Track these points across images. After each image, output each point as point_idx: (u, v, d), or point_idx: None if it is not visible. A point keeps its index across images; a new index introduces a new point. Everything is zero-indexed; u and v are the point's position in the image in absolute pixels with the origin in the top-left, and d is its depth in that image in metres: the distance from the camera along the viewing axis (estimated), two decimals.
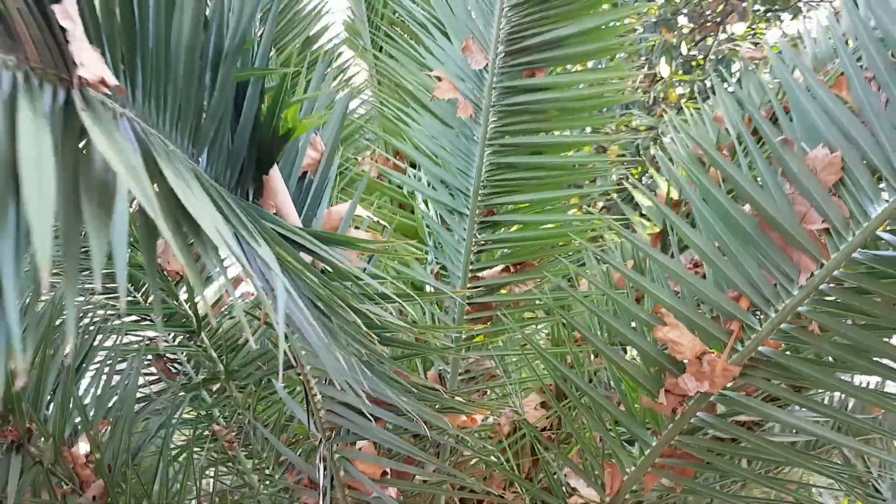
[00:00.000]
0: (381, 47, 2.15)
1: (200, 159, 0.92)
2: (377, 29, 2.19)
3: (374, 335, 0.93)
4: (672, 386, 1.26)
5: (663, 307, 1.25)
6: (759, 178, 1.18)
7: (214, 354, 1.98)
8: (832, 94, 1.10)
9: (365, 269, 1.16)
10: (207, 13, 0.87)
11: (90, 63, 0.65)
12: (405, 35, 2.04)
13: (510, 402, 1.83)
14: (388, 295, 1.03)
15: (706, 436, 1.38)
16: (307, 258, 0.98)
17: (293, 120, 1.01)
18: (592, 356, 1.93)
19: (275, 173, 1.04)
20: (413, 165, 2.11)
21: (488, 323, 1.87)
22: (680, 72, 5.41)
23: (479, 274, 1.86)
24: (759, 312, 1.19)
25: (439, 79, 1.75)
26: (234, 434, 2.19)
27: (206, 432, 2.16)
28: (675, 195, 2.13)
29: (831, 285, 1.11)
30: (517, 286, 1.91)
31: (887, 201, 1.04)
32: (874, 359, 1.15)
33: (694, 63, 5.68)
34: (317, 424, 1.42)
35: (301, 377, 1.33)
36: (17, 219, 0.55)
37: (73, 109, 0.66)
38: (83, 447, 1.59)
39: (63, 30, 0.65)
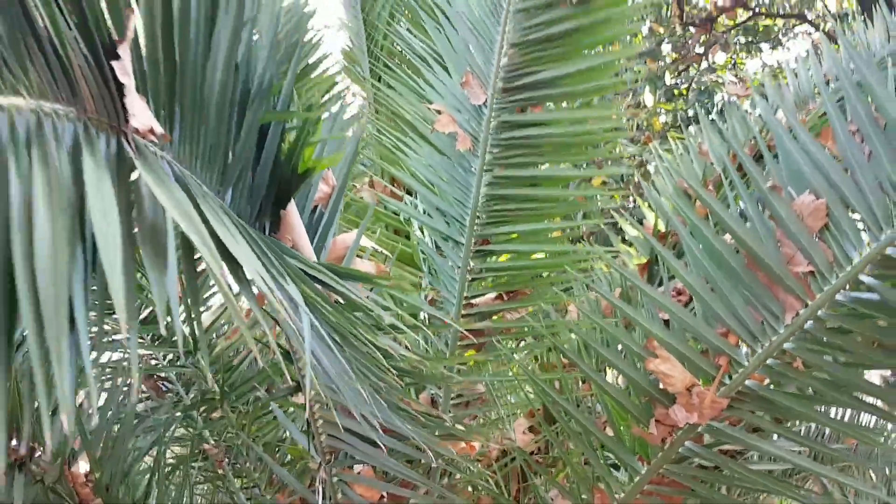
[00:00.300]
0: (380, 77, 2.20)
1: (226, 197, 0.97)
2: (376, 59, 2.25)
3: (389, 366, 0.98)
4: (662, 416, 1.31)
5: (655, 340, 1.30)
6: (745, 217, 1.25)
7: (210, 375, 2.01)
8: (817, 143, 1.17)
9: (368, 296, 1.20)
10: (238, 59, 0.92)
11: (140, 113, 0.70)
12: (404, 66, 2.10)
13: (501, 426, 1.88)
14: (397, 325, 1.08)
15: (692, 464, 1.44)
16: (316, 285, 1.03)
17: (311, 159, 1.06)
18: (580, 382, 1.98)
19: (292, 208, 1.09)
20: (409, 193, 2.16)
21: (482, 348, 1.92)
22: (662, 100, 5.54)
23: (473, 301, 1.92)
24: (746, 348, 1.25)
25: (439, 112, 1.80)
26: (223, 453, 2.21)
27: (197, 451, 2.18)
28: (662, 227, 2.20)
29: (815, 324, 1.18)
30: (509, 313, 1.97)
31: (869, 247, 1.11)
32: (853, 394, 1.22)
33: (676, 92, 5.81)
34: (316, 448, 1.46)
35: (304, 402, 1.37)
36: (83, 258, 0.59)
37: (123, 155, 0.70)
38: (83, 466, 1.62)
39: (118, 83, 0.70)
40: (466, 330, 1.88)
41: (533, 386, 1.81)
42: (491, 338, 1.89)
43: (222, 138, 0.92)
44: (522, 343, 2.16)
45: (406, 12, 2.10)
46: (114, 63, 0.67)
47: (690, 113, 5.02)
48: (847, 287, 1.14)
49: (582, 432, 1.51)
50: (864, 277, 1.12)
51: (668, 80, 5.31)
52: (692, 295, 1.28)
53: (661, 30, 5.45)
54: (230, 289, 0.71)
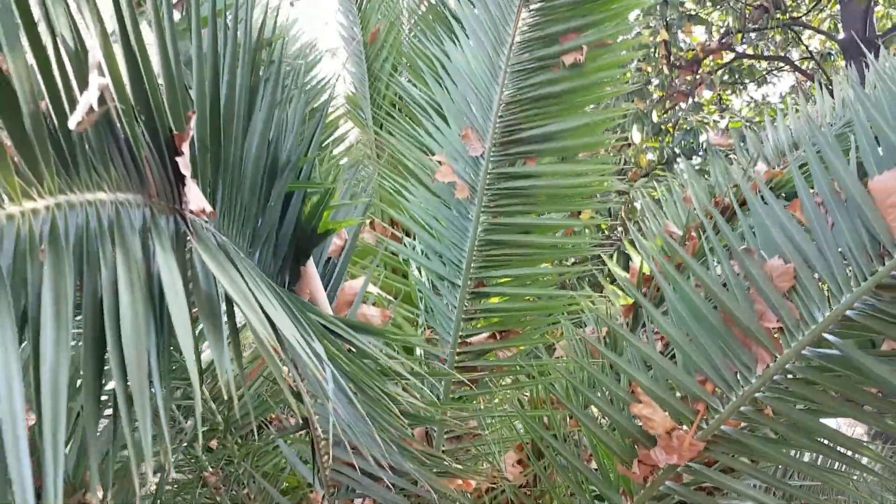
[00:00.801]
0: (382, 124, 2.32)
1: (255, 256, 1.07)
2: (378, 107, 2.37)
3: (395, 409, 1.08)
4: (645, 457, 1.42)
5: (639, 387, 1.41)
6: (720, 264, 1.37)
7: (214, 406, 2.10)
8: (787, 212, 1.29)
9: (373, 343, 1.31)
10: (270, 138, 1.03)
11: (195, 198, 0.81)
12: (405, 115, 2.22)
13: (492, 459, 1.98)
14: (401, 372, 1.18)
15: (672, 500, 1.54)
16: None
17: (329, 221, 1.17)
18: (567, 418, 2.09)
19: (310, 265, 1.20)
20: (406, 233, 2.27)
21: (476, 383, 2.03)
22: (649, 136, 5.69)
23: (468, 339, 2.02)
24: (721, 396, 1.36)
25: (440, 162, 1.92)
26: (221, 480, 2.30)
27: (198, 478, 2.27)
28: (647, 270, 2.31)
29: (784, 376, 1.29)
30: (501, 351, 2.07)
31: (831, 308, 1.22)
32: (817, 439, 1.33)
33: (663, 127, 5.98)
34: (321, 481, 1.55)
35: (313, 439, 1.47)
36: (156, 328, 0.70)
37: (180, 232, 0.81)
38: (93, 497, 1.70)
39: (175, 170, 0.81)
40: (462, 366, 1.99)
41: (522, 422, 1.91)
42: (484, 374, 2.00)
43: (254, 206, 1.03)
44: (513, 380, 2.26)
45: (407, 64, 2.22)
46: (178, 158, 0.78)
47: (676, 151, 5.17)
48: (812, 343, 1.25)
49: (569, 467, 1.61)
50: (827, 335, 1.23)
51: (655, 117, 5.46)
52: (675, 348, 1.39)
53: (649, 69, 5.62)
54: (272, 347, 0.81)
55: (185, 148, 0.78)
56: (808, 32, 7.45)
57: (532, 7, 1.82)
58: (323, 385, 0.89)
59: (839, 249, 1.22)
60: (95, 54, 0.66)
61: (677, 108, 5.77)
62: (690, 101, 5.67)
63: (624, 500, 1.55)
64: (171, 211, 0.81)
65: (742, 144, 2.89)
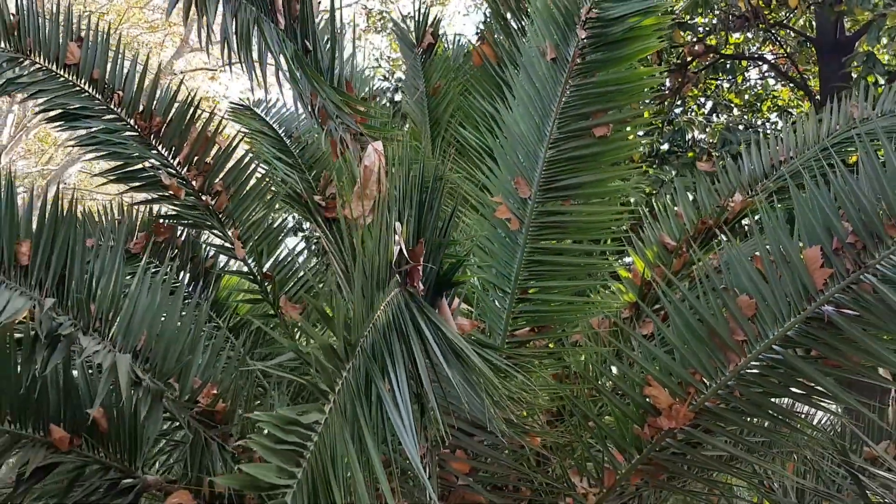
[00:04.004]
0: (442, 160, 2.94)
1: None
2: (437, 146, 3.00)
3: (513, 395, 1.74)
4: (652, 422, 2.10)
5: (650, 375, 2.09)
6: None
7: None
8: (752, 264, 1.95)
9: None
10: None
11: (419, 284, 1.45)
12: (460, 153, 2.85)
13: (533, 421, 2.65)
14: (509, 371, 1.84)
15: (668, 451, 2.23)
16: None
17: (457, 275, 1.81)
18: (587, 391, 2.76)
19: (444, 300, 1.84)
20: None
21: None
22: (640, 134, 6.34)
23: (515, 333, 2.69)
24: (706, 382, 2.03)
25: (499, 202, 2.56)
26: None
27: None
28: (648, 276, 2.98)
29: (747, 371, 1.97)
30: (539, 342, 2.74)
31: (778, 330, 1.90)
32: (766, 410, 2.02)
33: (653, 122, 6.62)
34: (426, 437, 2.22)
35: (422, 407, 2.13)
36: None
37: (412, 302, 1.46)
38: None
39: (408, 273, 1.45)
40: (510, 353, 2.65)
41: (560, 392, 2.59)
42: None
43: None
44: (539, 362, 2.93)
45: (462, 114, 2.85)
46: (419, 267, 1.41)
47: (665, 146, 5.82)
48: (766, 351, 1.92)
49: (598, 431, 2.29)
50: (775, 346, 1.91)
51: (645, 115, 6.10)
52: (674, 348, 2.06)
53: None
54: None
55: (419, 269, 1.42)
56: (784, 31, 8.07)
57: (571, 92, 2.45)
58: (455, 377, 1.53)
59: (784, 292, 1.88)
60: (398, 229, 1.29)
61: (666, 105, 6.41)
62: (678, 99, 6.31)
63: (636, 453, 2.24)
64: (404, 290, 1.45)
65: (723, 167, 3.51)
